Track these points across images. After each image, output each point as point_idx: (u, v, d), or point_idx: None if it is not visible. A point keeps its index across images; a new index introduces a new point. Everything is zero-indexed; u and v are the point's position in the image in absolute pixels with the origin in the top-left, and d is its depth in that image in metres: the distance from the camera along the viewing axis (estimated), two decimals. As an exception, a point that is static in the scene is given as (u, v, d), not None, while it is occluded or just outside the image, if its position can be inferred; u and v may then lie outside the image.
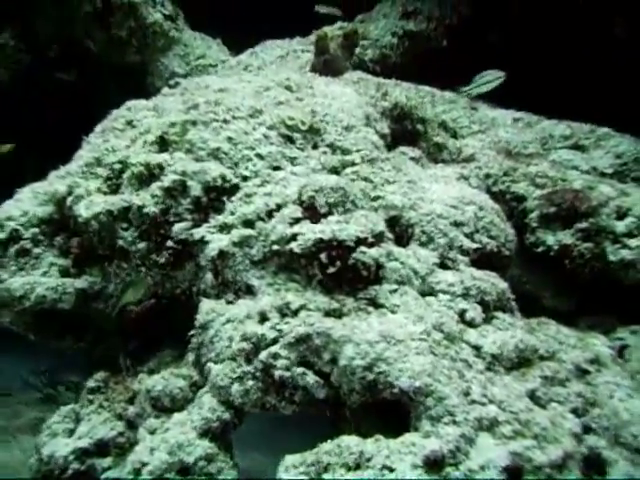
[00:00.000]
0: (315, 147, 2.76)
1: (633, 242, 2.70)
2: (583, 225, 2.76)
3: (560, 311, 2.80)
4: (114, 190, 2.72)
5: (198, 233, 2.52)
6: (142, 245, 2.58)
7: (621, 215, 2.79)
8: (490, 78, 3.66)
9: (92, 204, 2.63)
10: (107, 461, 2.31)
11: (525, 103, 3.96)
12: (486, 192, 2.98)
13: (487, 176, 3.06)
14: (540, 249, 2.84)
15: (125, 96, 3.97)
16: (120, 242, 2.61)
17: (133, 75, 4.78)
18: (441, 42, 4.54)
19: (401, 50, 4.46)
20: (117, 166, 2.73)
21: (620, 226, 2.75)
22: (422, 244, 2.48)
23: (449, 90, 3.98)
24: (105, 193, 2.71)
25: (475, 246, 2.51)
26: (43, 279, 2.68)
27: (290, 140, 2.74)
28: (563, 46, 4.22)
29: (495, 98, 4.19)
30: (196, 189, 2.56)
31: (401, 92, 3.38)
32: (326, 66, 3.79)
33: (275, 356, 2.15)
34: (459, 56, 4.56)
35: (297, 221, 2.39)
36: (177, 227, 2.54)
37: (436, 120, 3.50)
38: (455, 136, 3.53)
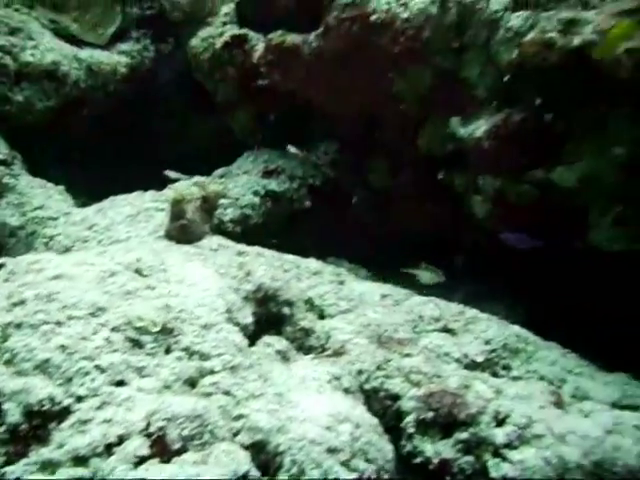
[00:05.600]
0: (168, 351, 2.37)
1: (515, 455, 2.51)
2: (463, 436, 2.54)
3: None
4: None
5: (13, 473, 1.99)
6: None
7: (500, 421, 2.61)
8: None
9: None
10: None
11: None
12: (359, 390, 2.74)
13: (360, 372, 2.80)
14: (418, 460, 2.58)
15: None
16: None
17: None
18: (304, 202, 4.41)
19: (263, 210, 4.26)
20: None
21: (500, 435, 2.55)
22: (292, 477, 2.12)
23: (314, 257, 3.81)
24: None
25: (352, 476, 2.19)
26: None
27: (138, 344, 2.33)
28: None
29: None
30: (14, 414, 2.05)
31: (265, 270, 3.12)
32: (183, 232, 3.48)
33: None
34: (324, 216, 4.47)
35: (142, 460, 1.95)
36: (-15, 464, 2.01)
37: (302, 298, 3.25)
38: (323, 315, 3.30)
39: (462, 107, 3.79)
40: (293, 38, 4.13)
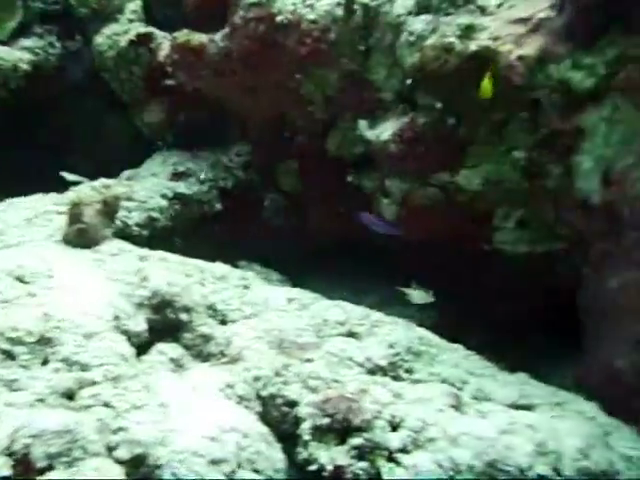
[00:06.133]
0: (45, 363, 2.25)
1: (408, 459, 2.49)
2: (357, 441, 2.51)
3: None
4: None
5: None
6: None
7: (395, 426, 2.59)
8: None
9: None
10: None
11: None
12: (255, 398, 2.67)
13: (256, 379, 2.74)
14: (314, 467, 2.53)
15: None
16: None
17: None
18: (214, 205, 4.32)
19: (171, 213, 4.14)
20: None
21: (395, 440, 2.53)
22: (172, 491, 2.04)
23: (221, 261, 3.72)
24: None
25: (237, 488, 2.12)
26: None
27: (10, 356, 2.20)
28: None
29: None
30: None
31: (163, 276, 3.02)
32: (81, 236, 3.34)
33: None
34: (235, 220, 4.39)
35: (4, 482, 1.84)
36: None
37: (204, 304, 3.16)
38: (225, 321, 3.22)
39: (370, 109, 3.79)
40: (199, 37, 4.05)
